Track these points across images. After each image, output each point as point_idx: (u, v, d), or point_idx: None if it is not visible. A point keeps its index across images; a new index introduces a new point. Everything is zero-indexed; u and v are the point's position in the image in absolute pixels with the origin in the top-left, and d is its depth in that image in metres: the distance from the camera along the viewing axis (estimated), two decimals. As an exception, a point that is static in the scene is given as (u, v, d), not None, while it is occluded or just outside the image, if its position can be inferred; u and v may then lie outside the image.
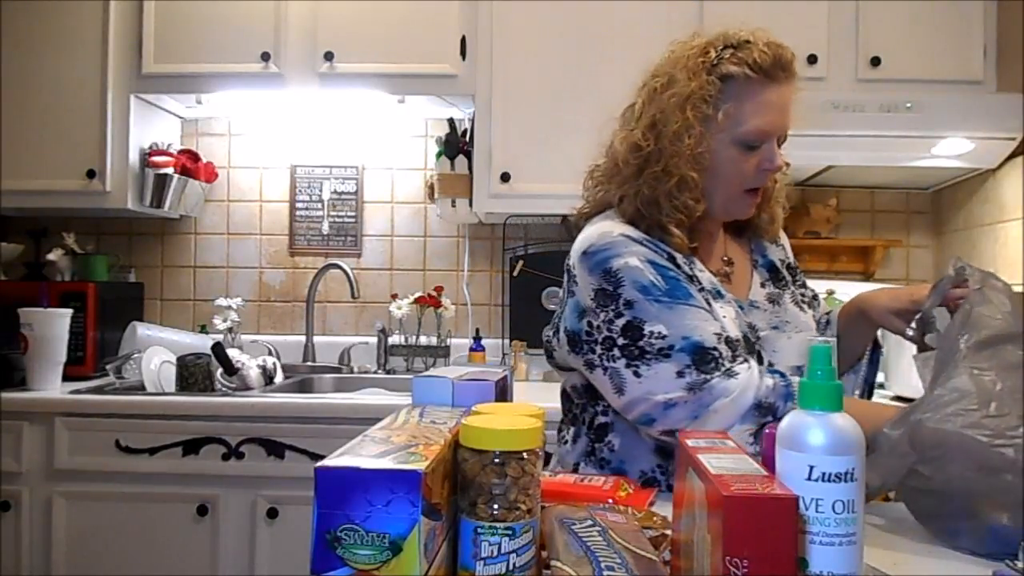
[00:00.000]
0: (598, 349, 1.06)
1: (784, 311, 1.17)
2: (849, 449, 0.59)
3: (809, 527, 0.58)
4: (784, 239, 1.30)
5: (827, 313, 1.29)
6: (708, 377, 0.99)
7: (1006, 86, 2.24)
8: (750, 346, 1.09)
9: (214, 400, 2.03)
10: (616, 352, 1.04)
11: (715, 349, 1.01)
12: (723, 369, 1.00)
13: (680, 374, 1.00)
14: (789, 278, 1.24)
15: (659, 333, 1.01)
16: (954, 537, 0.86)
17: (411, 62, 2.34)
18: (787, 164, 1.15)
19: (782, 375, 1.03)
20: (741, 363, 1.02)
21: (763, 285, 1.20)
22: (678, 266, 1.09)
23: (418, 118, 2.72)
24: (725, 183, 1.11)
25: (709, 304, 1.07)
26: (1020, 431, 0.82)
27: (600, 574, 0.65)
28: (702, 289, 1.09)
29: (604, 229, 1.10)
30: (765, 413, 0.98)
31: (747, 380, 0.99)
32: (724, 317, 1.07)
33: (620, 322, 1.04)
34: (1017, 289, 2.27)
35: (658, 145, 1.09)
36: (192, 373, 2.18)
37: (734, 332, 1.06)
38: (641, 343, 1.02)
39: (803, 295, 1.24)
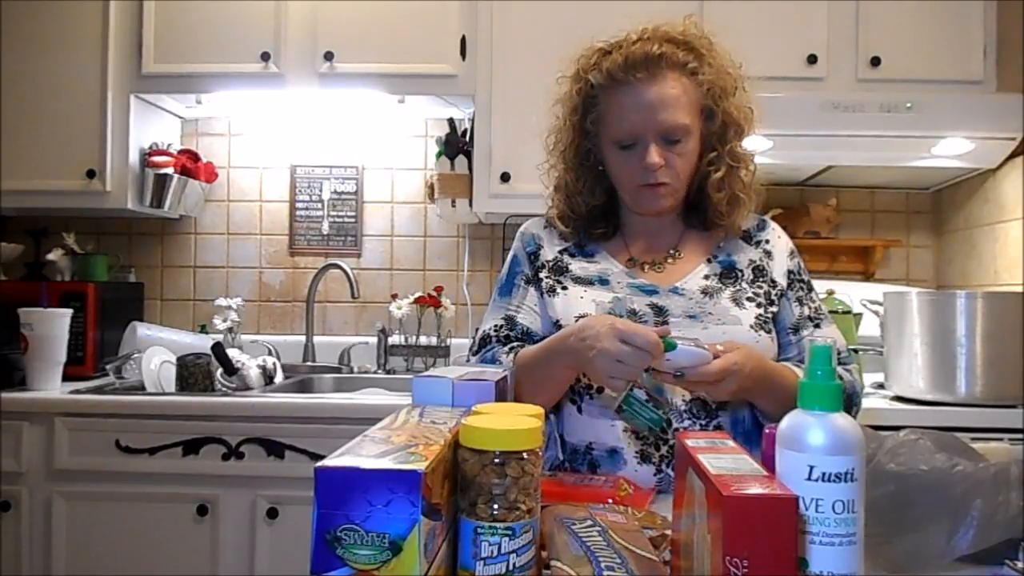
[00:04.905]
0: None
1: (714, 304, 1.18)
2: (849, 449, 0.59)
3: (809, 527, 0.58)
4: (779, 247, 1.27)
5: (799, 338, 1.22)
6: (477, 354, 1.25)
7: (1006, 86, 2.24)
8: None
9: (214, 400, 2.03)
10: None
11: (488, 337, 1.24)
12: (491, 352, 1.22)
13: (471, 350, 1.28)
14: (750, 277, 1.22)
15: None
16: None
17: (411, 62, 2.34)
18: (676, 157, 1.18)
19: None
20: (507, 352, 1.19)
21: (706, 277, 1.22)
22: (536, 257, 1.27)
23: (418, 118, 2.72)
24: (619, 182, 1.23)
25: (554, 291, 1.22)
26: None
27: (600, 574, 0.65)
28: (564, 273, 1.24)
29: None
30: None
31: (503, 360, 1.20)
32: (582, 298, 1.19)
33: None
34: (1017, 289, 2.27)
35: (548, 145, 1.31)
36: (192, 373, 2.17)
37: (527, 322, 1.23)
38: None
39: (755, 295, 1.21)
